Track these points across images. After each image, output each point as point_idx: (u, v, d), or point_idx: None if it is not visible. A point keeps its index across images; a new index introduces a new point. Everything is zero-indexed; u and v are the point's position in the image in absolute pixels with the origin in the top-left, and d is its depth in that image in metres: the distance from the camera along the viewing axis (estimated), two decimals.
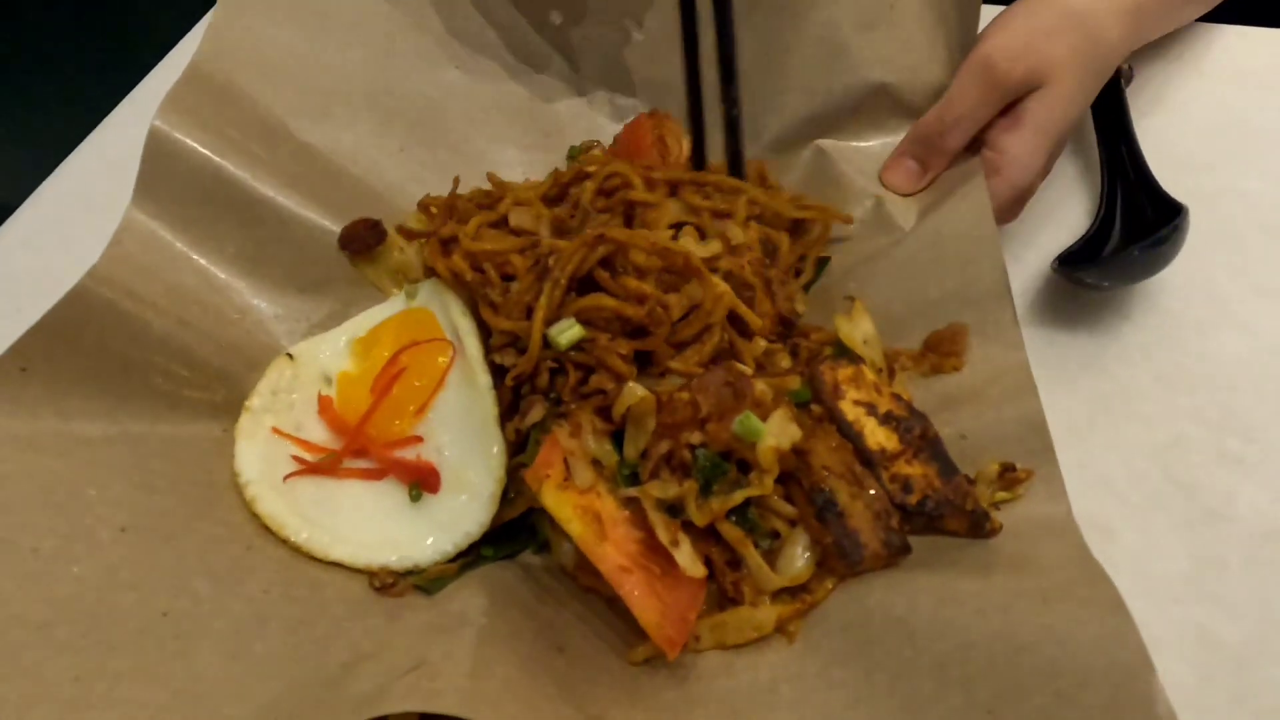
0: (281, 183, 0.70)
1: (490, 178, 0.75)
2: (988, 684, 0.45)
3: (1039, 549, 0.51)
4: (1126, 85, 0.85)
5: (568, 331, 0.59)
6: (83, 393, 0.58)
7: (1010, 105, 0.71)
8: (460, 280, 0.65)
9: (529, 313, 0.60)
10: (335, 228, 0.71)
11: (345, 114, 0.77)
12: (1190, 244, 0.73)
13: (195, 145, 0.67)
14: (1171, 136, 0.84)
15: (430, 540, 0.59)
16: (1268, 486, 0.62)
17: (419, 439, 0.62)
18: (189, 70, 0.71)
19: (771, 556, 0.55)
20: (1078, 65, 0.70)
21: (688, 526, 0.54)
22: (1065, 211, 0.79)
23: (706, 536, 0.55)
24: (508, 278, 0.63)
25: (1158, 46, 0.91)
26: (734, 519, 0.55)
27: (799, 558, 0.55)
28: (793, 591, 0.54)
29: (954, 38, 0.74)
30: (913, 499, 0.55)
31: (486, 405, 0.61)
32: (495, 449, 0.60)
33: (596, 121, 0.85)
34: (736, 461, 0.56)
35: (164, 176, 0.66)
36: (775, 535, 0.56)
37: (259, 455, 0.62)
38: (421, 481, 0.61)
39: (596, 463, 0.56)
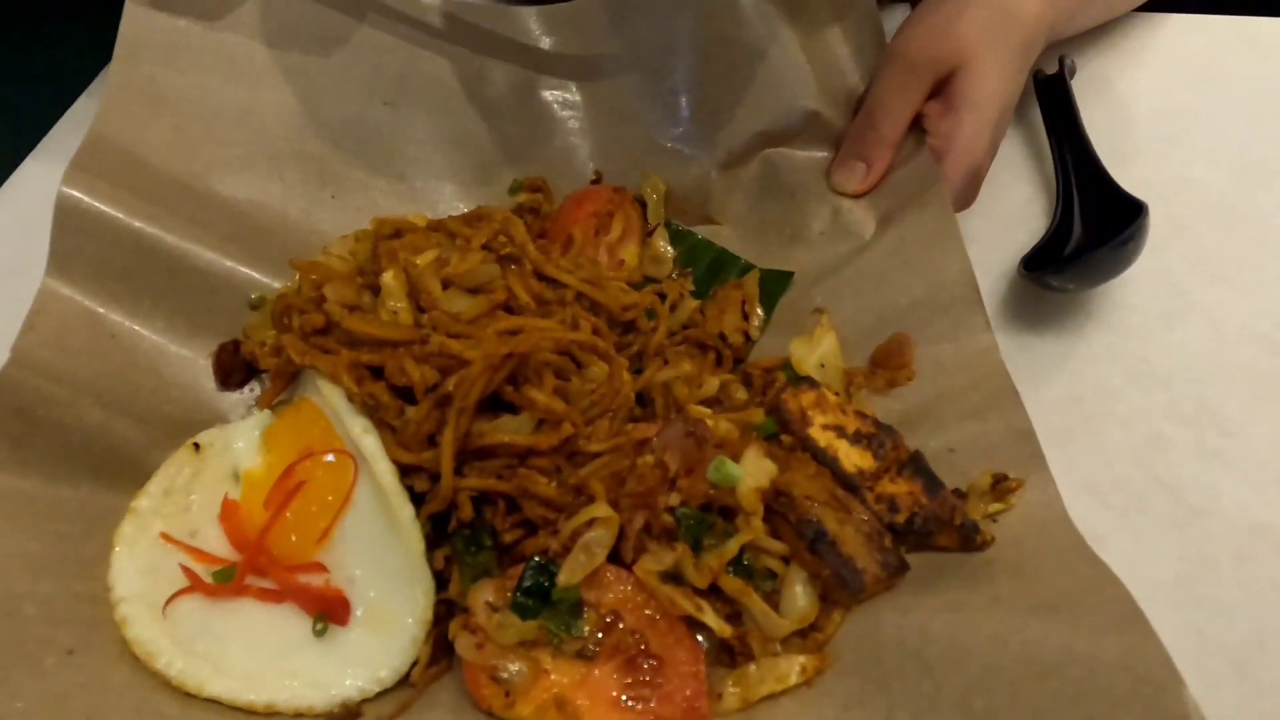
0: (210, 244, 0.65)
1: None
2: (1016, 713, 0.43)
3: (1040, 556, 0.50)
4: (1069, 79, 0.84)
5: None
6: (8, 503, 0.52)
7: (941, 92, 0.70)
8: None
9: (431, 440, 0.54)
10: (276, 284, 0.66)
11: (268, 163, 0.72)
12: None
13: (109, 210, 0.61)
14: (1116, 128, 0.84)
15: (348, 680, 0.51)
16: (1248, 479, 0.62)
17: (322, 567, 0.54)
18: (93, 130, 0.64)
19: (772, 600, 0.52)
20: (993, 39, 0.70)
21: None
22: (1023, 212, 0.79)
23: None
24: (398, 389, 0.55)
25: (1097, 38, 0.92)
26: (731, 570, 0.52)
27: (801, 596, 0.52)
28: (802, 633, 0.52)
29: (866, 55, 0.75)
30: (900, 518, 0.54)
31: (411, 543, 0.53)
32: (422, 590, 0.53)
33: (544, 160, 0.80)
34: (718, 511, 0.54)
35: (78, 247, 0.60)
36: (773, 576, 0.53)
37: (140, 567, 0.54)
38: (328, 612, 0.53)
39: (523, 644, 0.50)
